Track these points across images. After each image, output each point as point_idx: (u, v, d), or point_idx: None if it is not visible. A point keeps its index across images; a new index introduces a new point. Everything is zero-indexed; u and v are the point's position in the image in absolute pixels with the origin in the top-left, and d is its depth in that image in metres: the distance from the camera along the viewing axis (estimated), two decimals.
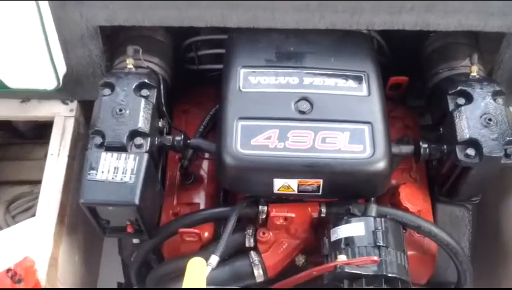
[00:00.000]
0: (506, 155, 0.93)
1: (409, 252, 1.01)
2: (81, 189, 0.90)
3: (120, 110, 0.95)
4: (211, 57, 1.13)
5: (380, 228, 0.92)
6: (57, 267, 1.05)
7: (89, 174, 0.91)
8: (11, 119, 1.21)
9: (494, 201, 1.19)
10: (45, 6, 0.94)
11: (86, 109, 1.16)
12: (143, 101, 0.97)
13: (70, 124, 1.12)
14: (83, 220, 1.16)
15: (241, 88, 0.97)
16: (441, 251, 1.04)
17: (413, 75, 1.12)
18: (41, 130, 1.44)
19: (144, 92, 0.98)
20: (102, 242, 1.34)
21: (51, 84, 1.03)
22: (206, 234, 1.03)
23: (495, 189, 1.18)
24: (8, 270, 0.89)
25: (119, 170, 0.92)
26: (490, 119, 0.95)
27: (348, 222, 0.94)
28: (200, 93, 1.16)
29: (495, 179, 1.04)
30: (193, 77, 1.17)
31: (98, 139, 0.94)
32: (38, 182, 1.40)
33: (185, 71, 1.16)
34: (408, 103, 1.20)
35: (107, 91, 0.98)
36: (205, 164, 1.12)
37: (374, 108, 0.96)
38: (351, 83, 0.98)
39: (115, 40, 1.09)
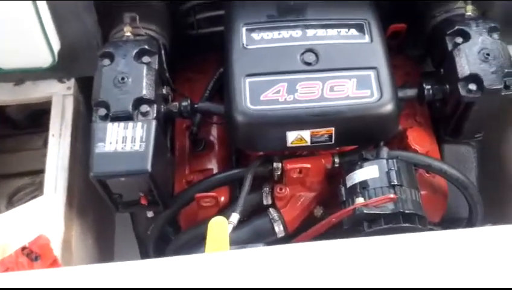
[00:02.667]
0: (506, 87, 0.93)
1: (422, 192, 0.98)
2: (90, 163, 0.84)
3: (122, 78, 0.90)
4: (210, 20, 1.07)
5: (392, 168, 0.90)
6: (72, 252, 0.99)
7: (96, 147, 0.86)
8: (5, 104, 1.12)
9: (497, 137, 1.19)
10: None
11: (84, 86, 1.09)
12: (145, 67, 0.91)
13: (69, 103, 1.05)
14: (92, 202, 1.10)
15: (245, 45, 0.93)
16: (451, 189, 1.03)
17: (411, 24, 1.10)
18: (36, 118, 1.36)
19: (145, 58, 0.92)
20: (114, 223, 1.28)
21: (46, 61, 0.96)
22: (222, 199, 0.99)
23: (497, 125, 1.17)
24: (23, 248, 0.82)
25: (127, 139, 0.87)
26: (488, 54, 0.94)
27: (361, 166, 0.91)
28: (202, 59, 1.11)
29: (496, 115, 1.04)
30: (194, 43, 1.11)
31: (102, 111, 0.88)
32: (39, 172, 1.33)
33: (185, 38, 1.10)
34: (407, 52, 1.17)
35: (106, 61, 0.92)
36: (214, 130, 1.07)
37: (378, 53, 0.93)
38: (353, 31, 0.95)
39: (109, 10, 1.02)
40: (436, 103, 1.04)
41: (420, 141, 1.03)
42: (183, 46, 1.09)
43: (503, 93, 0.93)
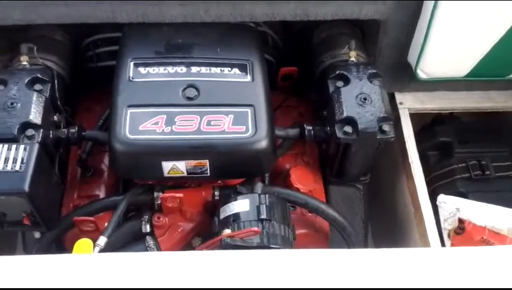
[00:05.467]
0: (382, 131, 1.02)
1: (302, 231, 1.08)
2: None
3: (12, 103, 1.00)
4: (109, 54, 1.19)
5: (264, 203, 0.98)
6: None
7: None
8: None
9: (388, 181, 1.28)
10: None
11: None
12: (35, 94, 1.02)
13: None
14: None
15: (131, 78, 1.03)
16: (334, 229, 1.10)
17: (304, 67, 1.21)
18: None
19: (37, 86, 1.03)
20: (15, 246, 1.35)
21: None
22: (106, 224, 1.07)
23: (387, 169, 1.26)
24: None
25: (9, 160, 0.95)
26: (365, 99, 1.04)
27: (235, 199, 1.00)
28: (102, 90, 1.21)
29: (386, 158, 1.13)
30: (94, 75, 1.23)
31: None
32: None
33: (86, 70, 1.22)
34: (307, 96, 1.28)
35: (0, 87, 1.03)
36: (106, 158, 1.16)
37: (257, 92, 1.03)
38: (236, 70, 1.05)
39: (12, 41, 1.14)
40: (322, 144, 1.14)
41: (303, 180, 1.11)
42: (84, 78, 1.20)
43: (378, 137, 1.02)
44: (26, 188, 0.92)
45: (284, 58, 1.22)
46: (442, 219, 1.03)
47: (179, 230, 1.06)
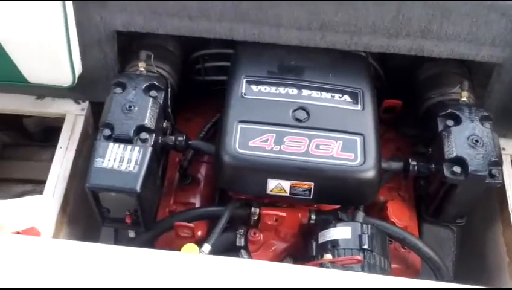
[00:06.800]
0: (491, 175, 1.03)
1: (394, 265, 1.09)
2: (88, 174, 1.00)
3: (129, 106, 1.07)
4: (217, 69, 1.26)
5: (366, 232, 1.01)
6: None
7: (96, 161, 1.02)
8: (26, 114, 1.34)
9: (481, 227, 1.28)
10: (70, 7, 1.07)
11: (97, 110, 1.28)
12: (151, 100, 1.09)
13: (80, 122, 1.25)
14: (84, 215, 1.26)
15: (243, 94, 1.09)
16: (424, 268, 1.11)
17: (408, 101, 1.24)
18: (49, 134, 1.57)
19: (153, 92, 1.10)
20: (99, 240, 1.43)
21: (66, 81, 1.16)
22: (199, 233, 1.12)
23: (481, 215, 1.26)
24: (17, 233, 0.98)
25: (124, 159, 1.02)
26: (477, 141, 1.06)
27: (335, 225, 1.03)
28: (204, 103, 1.29)
29: (480, 203, 1.13)
30: (199, 88, 1.30)
31: (107, 132, 1.05)
32: (41, 182, 1.52)
33: (191, 83, 1.29)
34: (404, 131, 1.31)
35: (118, 90, 1.10)
36: (203, 168, 1.22)
37: (367, 122, 1.07)
38: (347, 97, 1.10)
39: (129, 48, 1.23)
40: (421, 180, 1.16)
41: (399, 215, 1.13)
42: (188, 89, 1.27)
43: (487, 181, 1.03)
44: (139, 188, 0.99)
45: (384, 90, 1.26)
46: None
47: (273, 248, 1.10)
